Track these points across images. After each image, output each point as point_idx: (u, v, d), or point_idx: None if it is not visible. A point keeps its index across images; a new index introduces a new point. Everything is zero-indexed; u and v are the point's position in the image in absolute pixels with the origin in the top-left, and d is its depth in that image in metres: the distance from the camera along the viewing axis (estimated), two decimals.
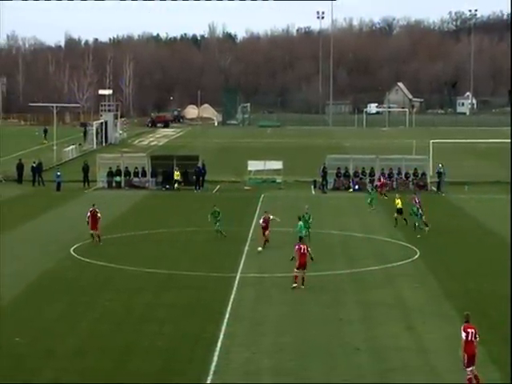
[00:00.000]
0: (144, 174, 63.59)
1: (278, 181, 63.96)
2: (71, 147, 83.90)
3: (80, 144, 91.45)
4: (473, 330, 20.95)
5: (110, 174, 63.61)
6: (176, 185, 61.95)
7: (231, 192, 60.51)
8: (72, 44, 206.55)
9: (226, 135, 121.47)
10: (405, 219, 44.60)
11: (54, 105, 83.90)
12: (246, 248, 39.48)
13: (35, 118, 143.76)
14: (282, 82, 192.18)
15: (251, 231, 43.09)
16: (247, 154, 74.93)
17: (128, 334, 25.98)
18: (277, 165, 65.28)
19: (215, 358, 23.57)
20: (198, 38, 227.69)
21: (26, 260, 36.60)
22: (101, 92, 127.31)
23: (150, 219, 47.42)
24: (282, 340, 25.39)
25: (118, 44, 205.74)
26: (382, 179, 60.12)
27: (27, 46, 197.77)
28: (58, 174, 61.83)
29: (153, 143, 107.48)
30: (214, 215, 41.46)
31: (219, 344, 24.82)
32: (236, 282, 32.59)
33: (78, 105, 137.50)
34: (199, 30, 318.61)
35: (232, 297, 30.39)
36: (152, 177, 63.43)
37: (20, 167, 64.89)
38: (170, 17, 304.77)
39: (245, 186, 63.00)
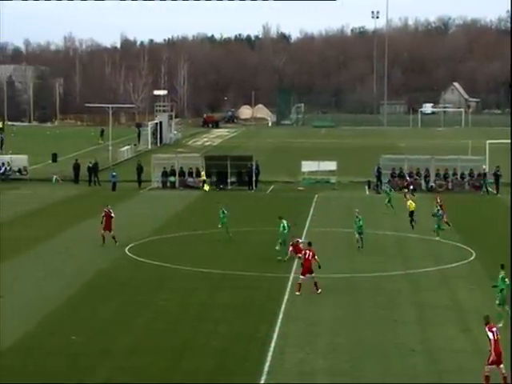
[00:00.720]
0: (198, 174, 63.88)
1: (331, 181, 63.74)
2: (126, 147, 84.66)
3: (135, 144, 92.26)
4: (495, 329, 21.33)
5: (165, 174, 64.04)
6: (205, 185, 62.08)
7: (285, 192, 60.46)
8: (128, 45, 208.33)
9: (280, 135, 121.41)
10: (412, 222, 43.90)
11: (110, 105, 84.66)
12: None
13: (91, 119, 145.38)
14: (336, 82, 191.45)
15: (305, 232, 42.99)
16: (301, 155, 74.78)
17: (183, 333, 26.12)
18: (331, 165, 65.05)
19: (269, 358, 23.57)
20: (252, 39, 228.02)
21: (82, 259, 37.01)
22: (156, 92, 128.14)
23: (204, 219, 47.56)
24: (337, 341, 25.29)
25: (172, 45, 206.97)
26: (407, 179, 59.60)
27: (84, 47, 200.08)
28: (114, 174, 62.45)
29: (207, 143, 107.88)
30: (221, 214, 41.14)
31: (273, 344, 24.81)
32: (290, 283, 32.54)
33: (134, 105, 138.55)
34: (253, 30, 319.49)
35: (286, 297, 30.36)
36: (206, 177, 63.67)
37: (76, 167, 65.69)
38: (225, 17, 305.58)
39: (298, 187, 62.89)
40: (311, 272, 30.69)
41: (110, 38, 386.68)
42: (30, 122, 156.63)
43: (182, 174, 64.17)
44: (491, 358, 20.99)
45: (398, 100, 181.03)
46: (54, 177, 66.58)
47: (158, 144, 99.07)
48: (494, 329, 21.37)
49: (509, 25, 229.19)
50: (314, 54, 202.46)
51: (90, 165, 65.23)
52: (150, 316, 28.10)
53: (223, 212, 41.14)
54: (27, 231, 43.22)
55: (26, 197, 56.64)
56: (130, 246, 39.42)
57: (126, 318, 27.81)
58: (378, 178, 61.88)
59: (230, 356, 23.98)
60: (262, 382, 21.92)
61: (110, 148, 78.11)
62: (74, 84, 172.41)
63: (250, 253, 38.50)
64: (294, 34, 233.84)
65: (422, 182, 61.78)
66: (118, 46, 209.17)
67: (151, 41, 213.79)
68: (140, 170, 64.14)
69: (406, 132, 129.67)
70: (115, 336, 25.74)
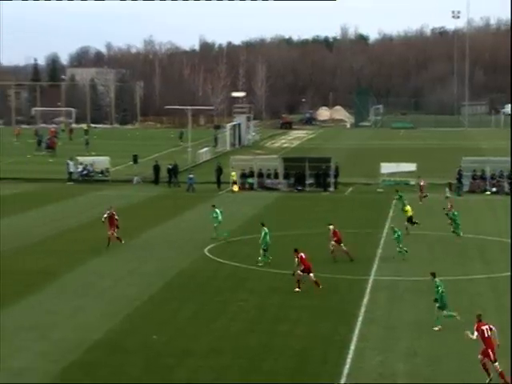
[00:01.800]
0: (276, 175, 64.00)
1: (411, 183, 63.09)
2: (205, 149, 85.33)
3: (214, 146, 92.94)
4: (487, 327, 22.01)
5: (243, 176, 64.38)
6: (234, 186, 62.10)
7: (364, 194, 60.12)
8: (206, 48, 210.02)
9: (358, 137, 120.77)
10: (410, 225, 42.76)
11: (189, 107, 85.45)
12: (379, 251, 39.14)
13: (171, 121, 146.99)
14: (415, 83, 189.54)
15: (384, 234, 42.68)
16: (380, 156, 74.28)
17: (261, 334, 26.20)
18: (410, 167, 64.42)
19: (348, 361, 23.48)
20: (330, 40, 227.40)
21: (162, 260, 37.45)
22: (234, 94, 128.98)
23: (283, 220, 47.61)
24: (417, 344, 25.04)
25: (250, 47, 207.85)
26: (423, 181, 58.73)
27: (163, 50, 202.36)
28: (191, 176, 63.07)
29: (285, 145, 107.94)
30: (214, 215, 41.65)
31: (352, 346, 24.71)
32: (369, 285, 32.36)
33: (212, 107, 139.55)
34: (331, 31, 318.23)
35: (365, 299, 30.20)
36: (284, 178, 63.76)
37: (156, 169, 66.51)
38: (303, 19, 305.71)
39: (377, 189, 62.45)
40: (310, 272, 31.00)
41: (188, 41, 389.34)
42: (111, 124, 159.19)
43: (260, 175, 64.40)
44: (492, 355, 21.61)
45: (479, 101, 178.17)
46: (135, 178, 67.53)
47: (237, 146, 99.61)
48: (484, 327, 22.02)
49: None
50: (392, 55, 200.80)
51: (170, 166, 65.97)
52: (228, 317, 28.26)
53: (216, 213, 41.75)
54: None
55: (108, 198, 57.52)
56: (210, 247, 39.72)
57: (206, 318, 28.03)
58: (459, 180, 61.08)
59: (308, 358, 23.95)
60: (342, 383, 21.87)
61: (190, 150, 78.79)
62: (154, 86, 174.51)
63: (328, 255, 38.35)
64: (373, 35, 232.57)
65: (505, 183, 60.71)
66: (197, 48, 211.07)
67: (229, 43, 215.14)
68: (219, 171, 64.61)
69: (487, 133, 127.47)
70: (195, 336, 25.96)
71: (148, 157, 79.79)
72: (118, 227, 40.13)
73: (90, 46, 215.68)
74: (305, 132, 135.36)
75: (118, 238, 39.95)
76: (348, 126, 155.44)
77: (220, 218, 41.92)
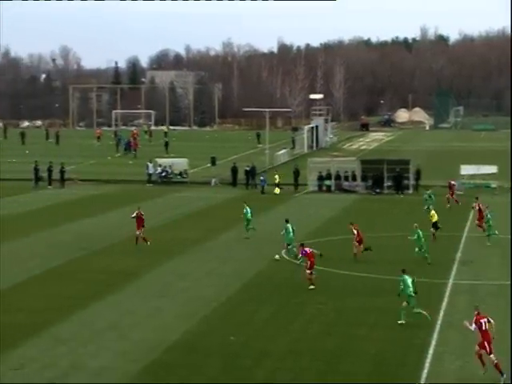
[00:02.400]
0: (354, 177, 63.68)
1: (492, 186, 62.03)
2: (283, 151, 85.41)
3: (291, 148, 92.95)
4: (485, 320, 22.67)
5: (321, 178, 64.23)
6: (276, 189, 62.12)
7: (443, 197, 59.31)
8: (284, 50, 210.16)
9: (438, 139, 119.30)
10: (433, 234, 41.66)
11: (267, 110, 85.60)
12: (459, 254, 38.59)
13: (249, 123, 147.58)
14: (497, 84, 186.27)
15: (464, 237, 42.07)
16: (460, 158, 73.24)
17: (339, 336, 26.09)
18: (491, 169, 63.35)
19: (427, 365, 23.19)
20: (410, 41, 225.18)
21: (240, 261, 37.61)
22: (312, 96, 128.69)
23: (360, 223, 47.28)
24: (497, 350, 24.55)
25: (328, 49, 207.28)
26: (451, 184, 57.40)
27: (242, 52, 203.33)
28: (262, 178, 63.48)
29: (363, 147, 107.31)
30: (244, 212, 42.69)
31: (431, 350, 24.40)
32: (448, 289, 31.92)
33: (290, 109, 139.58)
34: (411, 33, 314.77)
35: (444, 303, 29.81)
36: (362, 181, 63.39)
37: (234, 171, 66.85)
38: (382, 21, 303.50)
39: (457, 191, 61.53)
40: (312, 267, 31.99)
41: (267, 43, 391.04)
42: (190, 126, 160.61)
43: (337, 177, 64.15)
44: (488, 349, 22.35)
45: None
46: (213, 180, 67.99)
47: (315, 148, 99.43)
48: (483, 320, 22.70)
49: None
50: (473, 56, 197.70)
51: (248, 168, 66.24)
52: (306, 319, 28.21)
53: (247, 211, 42.72)
54: (187, 233, 44.31)
55: (186, 199, 58.09)
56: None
57: (283, 320, 28.02)
58: None
59: (386, 361, 23.75)
60: None
61: (267, 152, 78.96)
62: (232, 89, 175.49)
63: (406, 258, 37.96)
64: (453, 36, 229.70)
65: None
66: (275, 50, 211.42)
67: (307, 45, 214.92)
68: (297, 173, 64.60)
69: None
70: (272, 338, 25.98)
71: (226, 159, 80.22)
72: (143, 227, 40.67)
73: (170, 48, 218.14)
74: (383, 134, 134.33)
75: (143, 238, 40.28)
76: (427, 127, 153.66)
77: (249, 215, 42.63)
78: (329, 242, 41.74)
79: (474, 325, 22.73)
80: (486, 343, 22.36)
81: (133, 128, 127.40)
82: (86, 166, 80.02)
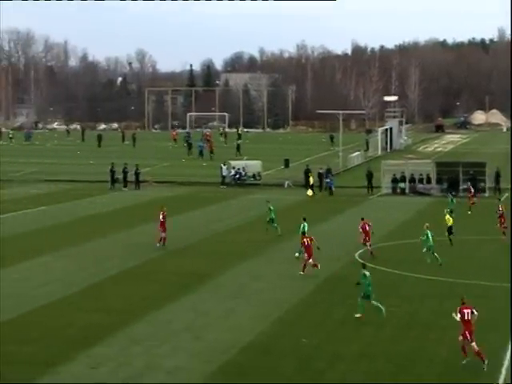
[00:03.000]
0: (429, 180, 63.08)
1: None
2: (356, 153, 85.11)
3: (365, 150, 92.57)
4: (469, 310, 23.85)
5: (395, 181, 63.82)
6: (309, 191, 62.25)
7: None
8: (358, 51, 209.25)
9: None
10: (450, 239, 40.98)
11: (341, 112, 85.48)
12: None
13: (322, 125, 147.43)
14: None
15: None
16: None
17: (412, 340, 25.94)
18: None
19: (503, 372, 22.89)
20: (487, 42, 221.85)
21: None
22: (386, 98, 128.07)
23: (434, 226, 46.82)
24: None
25: (403, 50, 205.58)
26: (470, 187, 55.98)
27: (316, 54, 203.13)
28: (328, 180, 63.47)
29: (438, 149, 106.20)
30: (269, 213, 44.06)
31: (508, 357, 24.06)
32: None
33: (364, 111, 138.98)
34: (488, 33, 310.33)
35: None
36: (437, 183, 62.76)
37: (307, 173, 66.86)
38: (458, 22, 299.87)
39: None
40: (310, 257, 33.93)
41: (341, 45, 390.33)
42: (263, 128, 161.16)
43: (412, 180, 63.65)
44: (470, 336, 23.51)
45: None
46: (286, 182, 68.13)
47: (388, 150, 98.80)
48: (466, 310, 23.86)
49: None
50: None
51: (321, 170, 66.21)
52: (379, 322, 28.10)
53: (269, 209, 44.17)
54: (260, 235, 44.50)
55: (259, 201, 58.25)
56: (360, 251, 39.59)
57: (356, 323, 27.97)
58: None
59: (458, 364, 23.51)
60: None
61: (341, 154, 78.78)
62: (306, 91, 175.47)
63: (482, 262, 37.55)
64: None
65: None
66: (349, 52, 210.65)
67: (382, 47, 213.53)
68: (370, 176, 64.32)
69: None
70: (345, 340, 25.96)
71: (299, 161, 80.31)
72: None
73: (244, 51, 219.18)
74: (458, 136, 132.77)
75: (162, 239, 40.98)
76: (504, 129, 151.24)
77: (273, 214, 43.59)
78: (403, 246, 41.46)
79: (458, 314, 23.89)
80: (467, 333, 23.45)
81: (205, 130, 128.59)
82: (161, 168, 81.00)
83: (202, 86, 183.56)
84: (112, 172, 67.73)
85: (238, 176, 69.48)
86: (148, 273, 35.96)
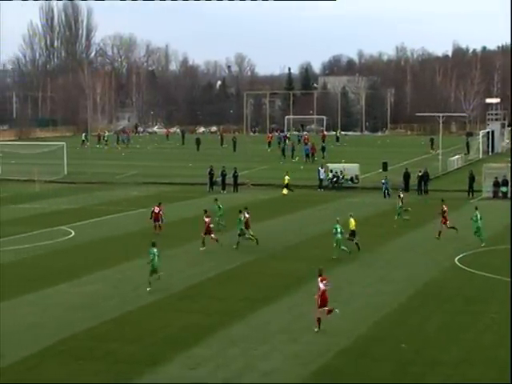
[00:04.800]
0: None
1: None
2: (456, 156, 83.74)
3: (465, 154, 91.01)
4: (326, 281, 27.04)
5: (496, 184, 62.51)
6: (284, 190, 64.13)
7: None
8: (459, 53, 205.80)
9: None
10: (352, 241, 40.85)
11: (441, 114, 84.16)
12: None
13: (421, 128, 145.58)
14: None
15: None
16: None
17: None
18: None
19: None
20: None
21: (411, 267, 37.21)
22: (488, 101, 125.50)
23: None
24: None
25: (507, 51, 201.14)
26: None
27: (415, 56, 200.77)
28: (383, 181, 62.78)
29: None
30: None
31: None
32: None
33: (464, 114, 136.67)
34: None
35: None
36: None
37: (406, 176, 66.17)
38: None
39: None
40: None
41: (441, 47, 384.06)
42: (361, 131, 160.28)
43: None
44: (320, 303, 26.79)
45: None
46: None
47: (490, 153, 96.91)
48: (325, 281, 26.92)
49: None
50: None
51: (420, 173, 65.40)
52: (479, 328, 27.59)
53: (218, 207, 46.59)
54: (360, 238, 44.26)
55: (357, 205, 57.89)
56: (460, 256, 38.95)
57: (456, 328, 27.52)
58: None
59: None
60: None
61: (440, 157, 77.63)
62: (405, 93, 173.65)
63: None
64: None
65: None
66: (450, 54, 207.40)
67: (484, 48, 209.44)
68: (472, 179, 63.20)
69: None
70: (445, 346, 25.55)
71: (398, 164, 79.51)
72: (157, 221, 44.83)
73: (343, 54, 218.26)
74: None
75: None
76: None
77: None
78: (503, 251, 40.56)
79: (321, 283, 26.89)
80: (320, 299, 26.78)
81: (304, 133, 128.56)
82: (259, 171, 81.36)
83: (300, 89, 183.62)
84: (210, 175, 68.42)
85: (335, 179, 69.23)
86: (245, 275, 36.17)
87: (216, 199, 48.74)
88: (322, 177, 69.02)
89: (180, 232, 47.21)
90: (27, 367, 23.71)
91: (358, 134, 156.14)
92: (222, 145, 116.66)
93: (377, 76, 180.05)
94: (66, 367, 23.60)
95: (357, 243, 40.59)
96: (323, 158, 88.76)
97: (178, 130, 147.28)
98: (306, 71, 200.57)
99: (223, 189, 67.40)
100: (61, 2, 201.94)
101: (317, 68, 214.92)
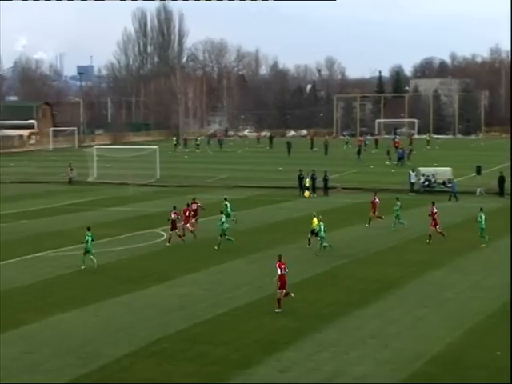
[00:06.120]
0: None
1: None
2: None
3: None
4: (284, 266, 30.13)
5: None
6: (306, 192, 64.37)
7: None
8: None
9: None
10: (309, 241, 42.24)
11: None
12: None
13: None
14: None
15: None
16: None
17: None
18: None
19: None
20: None
21: (507, 273, 36.43)
22: None
23: None
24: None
25: None
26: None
27: (510, 58, 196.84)
28: (450, 184, 62.76)
29: None
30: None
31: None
32: None
33: None
34: None
35: None
36: None
37: (501, 180, 64.95)
38: None
39: None
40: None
41: None
42: (454, 134, 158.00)
43: None
44: (279, 285, 29.93)
45: None
46: (478, 189, 66.42)
47: None
48: (283, 266, 30.12)
49: None
50: None
51: None
52: None
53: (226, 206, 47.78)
54: (448, 243, 43.67)
55: (449, 209, 57.04)
56: None
57: None
58: None
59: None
60: None
61: None
62: (499, 96, 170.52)
63: None
64: None
65: None
66: None
67: None
68: None
69: None
70: None
71: (492, 168, 78.08)
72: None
73: (435, 56, 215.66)
74: None
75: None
76: None
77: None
78: None
79: (278, 269, 29.84)
80: (281, 284, 29.80)
81: (392, 137, 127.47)
82: (349, 175, 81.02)
83: (390, 92, 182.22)
84: (300, 178, 68.50)
85: (427, 183, 68.39)
86: (335, 279, 36.07)
87: (225, 198, 50.55)
88: (412, 181, 68.28)
89: (271, 235, 47.35)
90: (121, 367, 24.15)
91: (451, 137, 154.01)
92: (312, 148, 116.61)
93: (470, 78, 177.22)
94: (159, 368, 23.95)
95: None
96: (409, 161, 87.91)
97: (268, 134, 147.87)
98: (397, 74, 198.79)
99: (313, 192, 67.35)
100: (154, 8, 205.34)
101: (408, 71, 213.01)
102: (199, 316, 29.60)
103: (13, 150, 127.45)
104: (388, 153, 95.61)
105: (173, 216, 43.90)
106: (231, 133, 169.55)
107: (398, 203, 49.31)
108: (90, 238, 38.39)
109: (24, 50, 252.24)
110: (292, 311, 30.30)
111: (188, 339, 26.82)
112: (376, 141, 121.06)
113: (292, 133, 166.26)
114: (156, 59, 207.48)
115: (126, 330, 27.82)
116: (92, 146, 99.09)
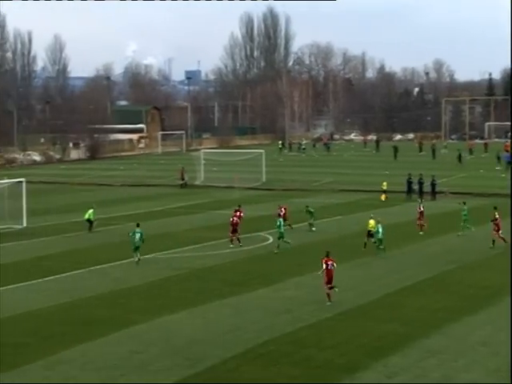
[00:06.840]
0: None
1: None
2: None
3: None
4: (331, 262, 31.30)
5: None
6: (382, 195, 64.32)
7: None
8: None
9: None
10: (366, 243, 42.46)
11: None
12: None
13: None
14: None
15: None
16: None
17: None
18: None
19: None
20: None
21: None
22: None
23: None
24: None
25: None
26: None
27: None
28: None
29: None
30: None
31: None
32: None
33: None
34: None
35: None
36: None
37: None
38: None
39: None
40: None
41: None
42: None
43: None
44: (326, 280, 31.33)
45: None
46: None
47: None
48: (330, 262, 31.27)
49: None
50: None
51: None
52: None
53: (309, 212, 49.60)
54: None
55: None
56: None
57: None
58: None
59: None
60: None
61: None
62: None
63: None
64: None
65: None
66: None
67: None
68: None
69: None
70: None
71: None
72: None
73: None
74: None
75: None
76: None
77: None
78: None
79: (324, 264, 31.06)
80: (327, 278, 31.04)
81: (503, 140, 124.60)
82: (458, 179, 79.65)
83: (501, 94, 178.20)
84: (409, 183, 67.78)
85: None
86: (444, 284, 35.49)
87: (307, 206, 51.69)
88: None
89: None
90: (227, 369, 24.33)
91: None
92: (420, 152, 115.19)
93: None
94: (264, 371, 24.03)
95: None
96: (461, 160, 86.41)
97: (374, 137, 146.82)
98: (509, 76, 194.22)
99: (420, 197, 66.45)
100: (260, 12, 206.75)
101: None
102: (305, 319, 29.57)
103: (123, 154, 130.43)
104: (498, 157, 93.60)
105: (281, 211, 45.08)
106: (337, 136, 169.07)
107: (465, 207, 48.43)
108: (138, 235, 39.79)
109: (134, 56, 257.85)
110: (399, 316, 29.97)
111: (294, 342, 26.83)
112: (485, 144, 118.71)
113: (398, 136, 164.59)
114: (262, 63, 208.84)
115: (233, 332, 28.03)
116: (199, 150, 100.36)
